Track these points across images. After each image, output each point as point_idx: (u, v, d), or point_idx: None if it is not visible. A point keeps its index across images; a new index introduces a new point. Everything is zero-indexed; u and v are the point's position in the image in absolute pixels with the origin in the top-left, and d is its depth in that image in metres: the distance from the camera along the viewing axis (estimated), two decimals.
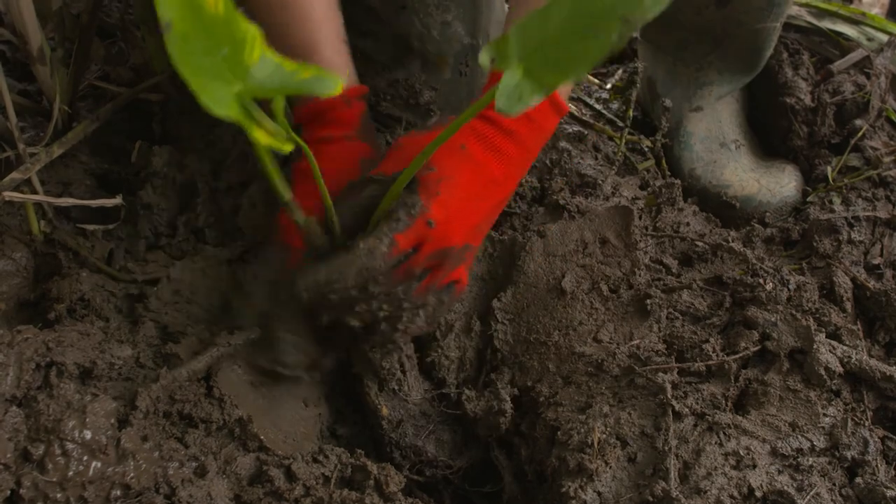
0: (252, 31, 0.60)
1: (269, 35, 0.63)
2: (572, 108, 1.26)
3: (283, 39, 0.83)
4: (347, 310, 0.78)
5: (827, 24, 1.29)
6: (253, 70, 0.61)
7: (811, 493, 0.79)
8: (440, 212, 0.78)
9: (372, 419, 0.93)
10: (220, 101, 0.59)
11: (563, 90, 0.87)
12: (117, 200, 1.03)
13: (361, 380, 0.94)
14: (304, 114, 0.90)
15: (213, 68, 0.59)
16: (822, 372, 0.87)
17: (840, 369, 0.88)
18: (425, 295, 0.81)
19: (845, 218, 1.06)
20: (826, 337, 0.91)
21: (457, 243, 0.80)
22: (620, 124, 1.23)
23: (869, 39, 1.27)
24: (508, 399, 0.91)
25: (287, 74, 0.62)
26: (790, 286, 0.95)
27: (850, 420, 0.85)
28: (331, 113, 0.88)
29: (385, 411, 0.90)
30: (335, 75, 0.61)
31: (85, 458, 0.73)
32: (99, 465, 0.73)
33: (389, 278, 0.78)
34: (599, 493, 0.83)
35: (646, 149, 1.19)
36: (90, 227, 1.02)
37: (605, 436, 0.84)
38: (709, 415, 0.84)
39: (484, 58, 0.61)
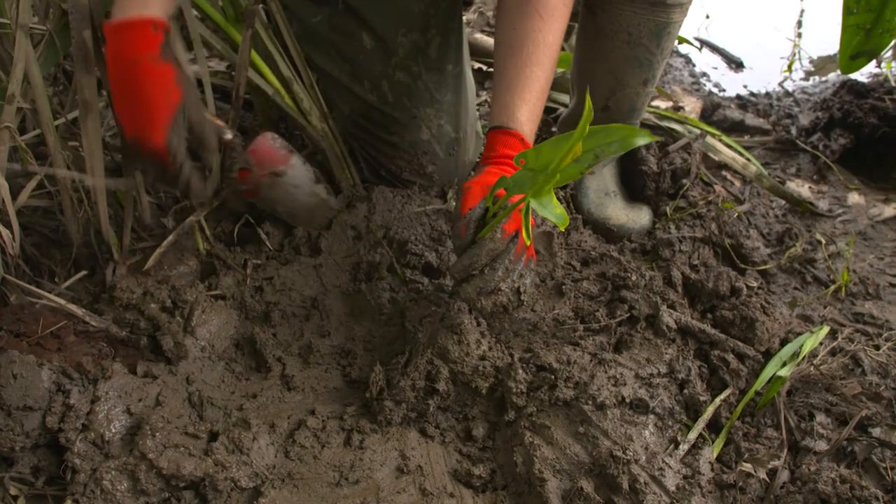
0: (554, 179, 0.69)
1: None
2: None
3: None
4: (498, 300, 0.83)
5: (665, 123, 1.43)
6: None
7: (658, 399, 0.90)
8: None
9: None
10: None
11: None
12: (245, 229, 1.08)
13: None
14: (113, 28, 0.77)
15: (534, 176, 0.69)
16: (665, 328, 0.97)
17: (675, 326, 0.98)
18: (529, 265, 0.87)
19: (677, 237, 1.15)
20: (667, 307, 1.00)
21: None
22: None
23: (689, 132, 1.41)
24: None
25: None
26: (646, 277, 1.04)
27: (680, 356, 0.95)
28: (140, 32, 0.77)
29: None
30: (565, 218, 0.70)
31: None
32: None
33: (513, 256, 0.82)
34: None
35: (561, 197, 1.26)
36: (233, 248, 1.09)
37: (538, 363, 0.90)
38: (599, 354, 0.92)
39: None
